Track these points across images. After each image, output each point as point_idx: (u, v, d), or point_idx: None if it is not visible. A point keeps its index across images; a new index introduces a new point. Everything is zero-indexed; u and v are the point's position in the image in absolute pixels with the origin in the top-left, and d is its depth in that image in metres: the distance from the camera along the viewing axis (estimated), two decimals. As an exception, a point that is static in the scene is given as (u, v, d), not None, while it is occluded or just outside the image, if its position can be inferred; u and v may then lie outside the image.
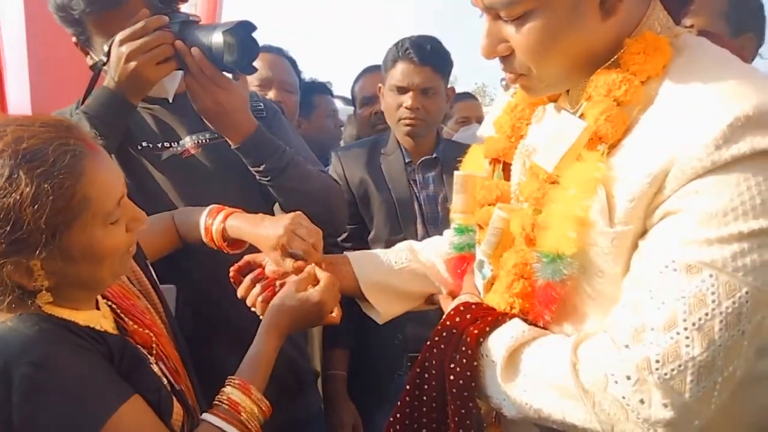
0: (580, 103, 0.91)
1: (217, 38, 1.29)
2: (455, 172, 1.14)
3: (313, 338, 2.06)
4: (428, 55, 1.94)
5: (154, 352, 1.03)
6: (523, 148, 1.02)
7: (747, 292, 0.75)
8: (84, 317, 0.93)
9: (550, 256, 0.86)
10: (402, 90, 1.96)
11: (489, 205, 1.04)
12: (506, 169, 1.06)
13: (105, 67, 1.36)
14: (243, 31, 1.32)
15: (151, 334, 1.04)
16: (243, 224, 1.28)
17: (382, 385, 1.96)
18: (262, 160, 1.43)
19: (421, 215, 1.97)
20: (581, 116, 0.88)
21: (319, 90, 2.78)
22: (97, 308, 0.99)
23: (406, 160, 2.01)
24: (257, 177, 1.46)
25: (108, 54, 1.33)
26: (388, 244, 1.92)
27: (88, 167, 0.87)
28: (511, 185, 1.04)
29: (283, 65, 2.40)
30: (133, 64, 1.30)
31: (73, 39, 1.43)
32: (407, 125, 1.96)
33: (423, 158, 2.02)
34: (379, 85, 2.13)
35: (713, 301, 0.75)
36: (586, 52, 0.88)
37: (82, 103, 1.39)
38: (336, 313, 1.23)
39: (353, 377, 2.03)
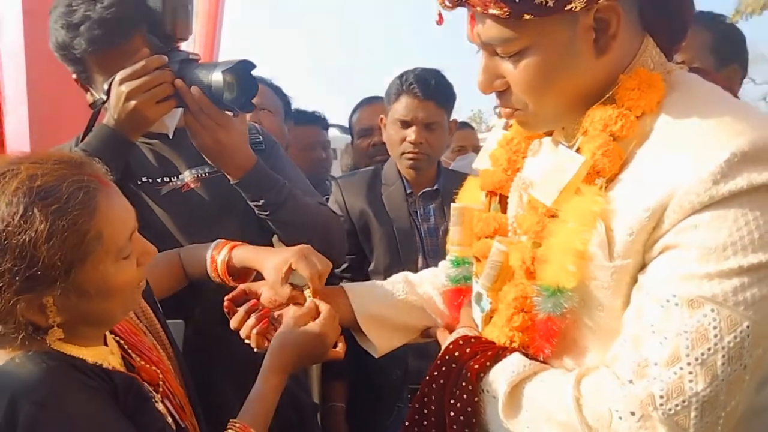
0: (576, 137, 0.92)
1: (216, 77, 1.31)
2: (452, 205, 1.14)
3: (311, 369, 2.04)
4: (432, 89, 1.94)
5: (161, 389, 1.02)
6: (520, 181, 1.03)
7: (748, 326, 0.75)
8: (92, 354, 0.92)
9: (550, 289, 0.86)
10: (405, 124, 1.96)
11: (486, 237, 1.04)
12: (502, 201, 1.06)
13: (105, 105, 1.37)
14: (242, 69, 1.34)
15: (158, 371, 1.03)
16: (249, 252, 1.29)
17: (383, 417, 1.93)
18: (261, 195, 1.44)
19: (422, 248, 1.96)
20: (578, 151, 0.89)
21: (300, 120, 2.69)
22: (105, 344, 0.98)
23: (407, 191, 2.01)
24: (256, 211, 1.47)
25: (108, 92, 1.34)
26: (388, 276, 1.92)
27: (102, 203, 0.87)
28: (508, 218, 1.04)
29: (259, 88, 2.41)
30: (132, 103, 1.31)
31: (74, 76, 1.44)
32: (410, 159, 1.96)
33: (424, 190, 2.01)
34: (381, 116, 2.13)
35: (715, 336, 0.75)
36: (581, 88, 0.89)
37: (82, 140, 1.39)
38: (340, 348, 1.22)
39: (353, 409, 2.00)
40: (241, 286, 1.29)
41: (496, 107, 1.02)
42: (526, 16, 0.82)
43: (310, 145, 2.73)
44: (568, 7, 0.80)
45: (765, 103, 14.84)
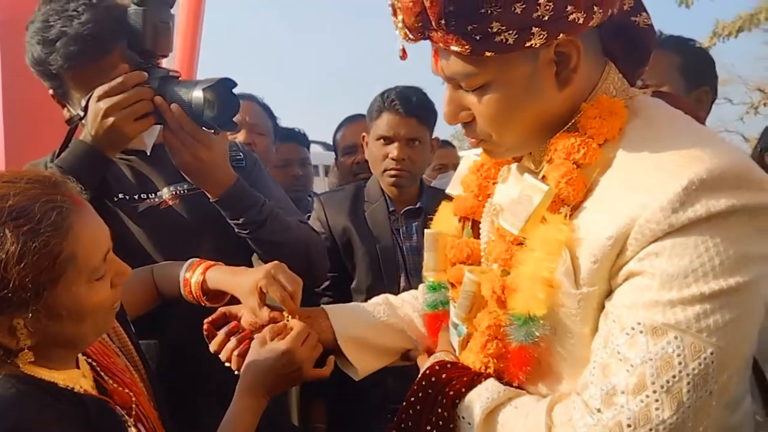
0: (543, 163, 0.93)
1: (197, 94, 1.30)
2: (426, 231, 1.15)
3: (290, 390, 2.02)
4: (414, 106, 1.95)
5: (134, 412, 1.00)
6: (491, 206, 1.04)
7: (712, 353, 0.75)
8: (63, 377, 0.91)
9: (522, 318, 0.86)
10: (387, 140, 1.96)
11: (460, 263, 1.05)
12: (475, 226, 1.07)
13: (82, 122, 1.36)
14: (223, 87, 1.33)
15: (131, 394, 1.02)
16: (222, 274, 1.28)
17: None
18: (241, 213, 1.43)
19: (404, 266, 1.96)
20: (543, 177, 0.90)
21: (280, 137, 2.67)
22: (77, 366, 0.97)
23: (390, 209, 2.01)
24: (236, 229, 1.46)
25: (85, 108, 1.33)
26: (371, 295, 1.90)
27: (75, 224, 0.86)
28: (481, 243, 1.05)
29: (254, 109, 2.42)
30: (110, 119, 1.29)
31: (50, 92, 1.43)
32: (392, 176, 1.96)
33: (407, 208, 2.01)
34: (363, 134, 2.13)
35: (680, 363, 0.75)
36: (545, 118, 0.90)
37: (58, 156, 1.38)
38: (327, 368, 1.21)
39: (334, 429, 1.98)
40: (221, 309, 1.28)
41: None
42: (488, 54, 0.83)
43: (287, 161, 2.72)
44: (528, 45, 0.81)
45: (742, 123, 15.21)
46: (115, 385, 1.00)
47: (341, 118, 2.73)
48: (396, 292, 1.45)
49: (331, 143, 2.83)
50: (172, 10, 1.40)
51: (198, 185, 1.43)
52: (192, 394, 1.43)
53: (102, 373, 1.00)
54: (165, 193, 1.50)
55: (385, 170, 1.97)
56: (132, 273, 1.33)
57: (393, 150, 1.94)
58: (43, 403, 0.85)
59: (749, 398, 0.95)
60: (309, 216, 2.14)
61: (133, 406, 1.01)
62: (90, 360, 1.01)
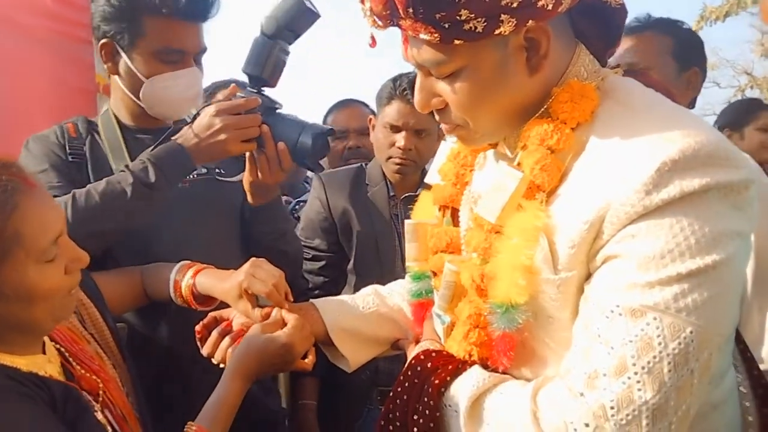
0: (518, 149, 0.92)
1: (305, 140, 1.39)
2: (406, 221, 1.14)
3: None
4: None
5: (101, 399, 1.00)
6: (469, 194, 1.03)
7: (692, 332, 0.76)
8: (27, 362, 0.90)
9: (503, 306, 0.86)
10: (395, 129, 1.94)
11: (441, 252, 1.05)
12: (455, 214, 1.07)
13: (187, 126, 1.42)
14: (327, 137, 1.44)
15: (99, 380, 1.01)
16: (210, 280, 1.29)
17: (352, 418, 1.93)
18: (271, 222, 1.57)
19: (400, 251, 1.95)
20: (518, 164, 0.89)
21: None
22: (44, 352, 0.96)
23: (390, 194, 2.00)
24: (261, 236, 1.57)
25: (194, 117, 1.41)
26: (366, 277, 1.90)
27: (22, 203, 0.85)
28: (461, 231, 1.04)
29: None
30: (223, 136, 1.37)
31: (103, 40, 1.44)
32: (397, 164, 1.95)
33: (406, 194, 2.00)
34: (370, 117, 2.11)
35: (660, 344, 0.75)
36: (517, 104, 0.90)
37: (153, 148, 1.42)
38: (309, 360, 1.21)
39: (321, 410, 1.99)
40: (212, 314, 1.28)
41: None
42: (457, 42, 0.82)
43: None
44: (497, 32, 0.81)
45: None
46: (83, 371, 0.99)
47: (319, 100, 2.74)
48: (392, 276, 1.45)
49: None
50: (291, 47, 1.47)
51: (253, 195, 1.51)
52: (165, 376, 1.43)
53: (70, 360, 1.00)
54: None
55: (390, 158, 1.96)
56: (120, 272, 1.33)
57: (400, 139, 1.92)
58: (5, 387, 0.85)
59: (732, 372, 0.96)
60: (302, 201, 2.14)
61: (101, 392, 1.00)
62: (58, 346, 1.00)
